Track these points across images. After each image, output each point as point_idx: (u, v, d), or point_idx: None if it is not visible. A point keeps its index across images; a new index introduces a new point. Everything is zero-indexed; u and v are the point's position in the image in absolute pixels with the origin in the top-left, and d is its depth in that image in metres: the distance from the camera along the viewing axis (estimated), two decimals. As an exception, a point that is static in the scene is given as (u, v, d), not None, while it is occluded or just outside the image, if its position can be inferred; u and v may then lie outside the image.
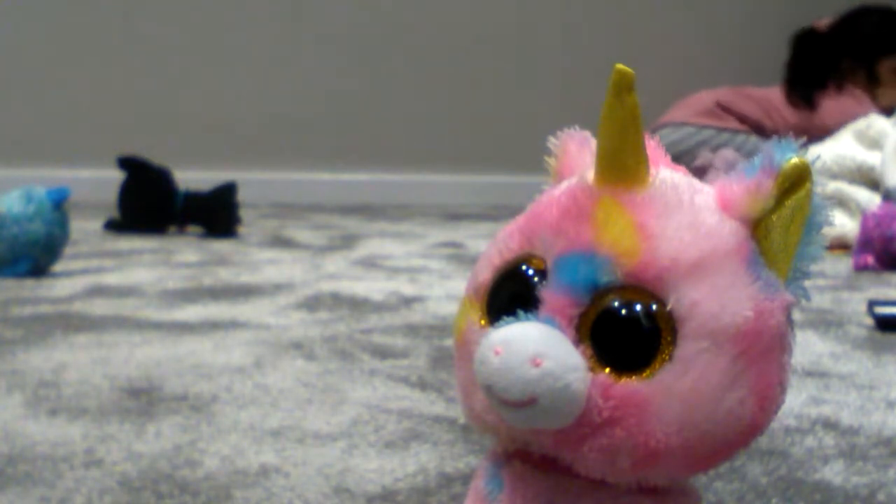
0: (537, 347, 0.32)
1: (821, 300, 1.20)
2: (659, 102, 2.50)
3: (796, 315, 0.54)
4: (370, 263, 1.48)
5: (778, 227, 0.35)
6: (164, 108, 2.71)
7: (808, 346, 0.92)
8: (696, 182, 0.37)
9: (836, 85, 2.36)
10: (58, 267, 1.32)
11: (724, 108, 2.32)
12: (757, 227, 0.35)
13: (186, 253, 1.57)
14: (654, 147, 0.37)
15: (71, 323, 0.97)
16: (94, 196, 2.25)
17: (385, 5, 2.87)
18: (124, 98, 2.69)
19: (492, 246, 0.38)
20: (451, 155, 2.94)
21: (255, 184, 2.57)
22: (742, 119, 2.32)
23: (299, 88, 2.81)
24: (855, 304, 1.18)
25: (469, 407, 0.37)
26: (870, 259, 1.50)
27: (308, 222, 2.20)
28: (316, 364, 0.81)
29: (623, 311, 0.33)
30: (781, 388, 0.35)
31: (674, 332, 0.33)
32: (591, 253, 0.34)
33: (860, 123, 1.94)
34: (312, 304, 1.10)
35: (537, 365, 0.32)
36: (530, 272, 0.35)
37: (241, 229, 1.89)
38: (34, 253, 1.25)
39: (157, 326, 0.96)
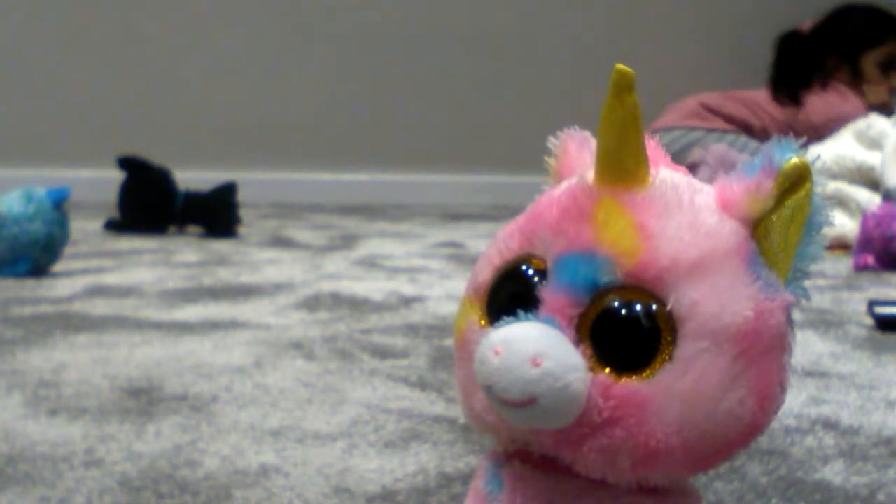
0: (537, 347, 0.32)
1: (821, 300, 1.20)
2: (658, 103, 2.50)
3: (796, 315, 0.54)
4: (370, 263, 1.48)
5: (778, 227, 0.35)
6: (164, 108, 2.71)
7: (808, 346, 0.92)
8: (696, 182, 0.37)
9: (821, 83, 2.40)
10: (58, 267, 1.32)
11: (710, 110, 2.37)
12: (757, 227, 0.35)
13: (186, 253, 1.57)
14: (654, 147, 0.37)
15: (71, 323, 0.97)
16: (94, 196, 2.25)
17: (385, 5, 2.87)
18: (124, 98, 2.69)
19: (492, 246, 0.38)
20: (451, 155, 2.94)
21: (255, 184, 2.57)
22: (729, 119, 2.37)
23: (299, 89, 2.81)
24: (855, 304, 1.18)
25: (469, 407, 0.37)
26: (870, 259, 1.50)
27: (308, 222, 2.20)
28: (316, 364, 0.81)
29: (623, 311, 0.33)
30: (781, 388, 0.35)
31: (674, 332, 0.33)
32: (591, 253, 0.34)
33: (860, 123, 1.94)
34: (312, 304, 1.10)
35: (537, 365, 0.32)
36: (530, 272, 0.35)
37: (241, 229, 1.89)
38: (34, 253, 1.25)
39: (157, 326, 0.96)
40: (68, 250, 1.37)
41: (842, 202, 1.79)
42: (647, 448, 0.33)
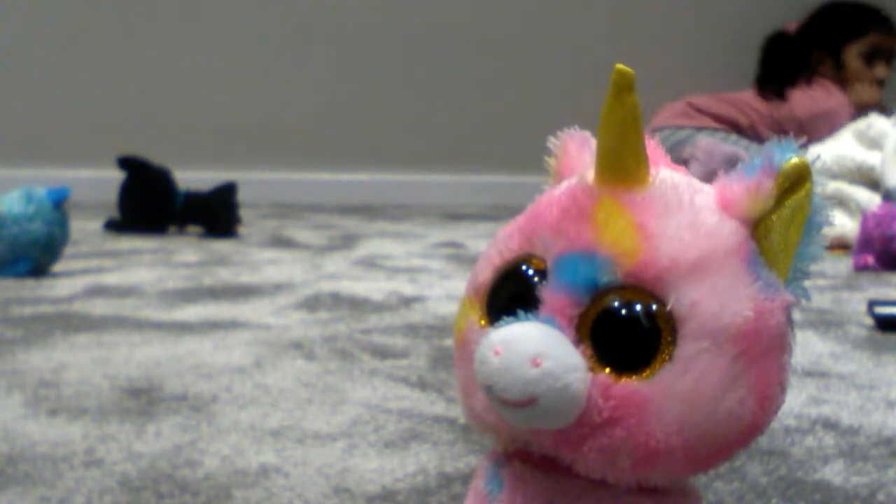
0: (537, 347, 0.32)
1: (821, 300, 1.20)
2: (659, 103, 2.50)
3: (796, 315, 0.54)
4: (370, 263, 1.48)
5: (778, 227, 0.35)
6: (164, 108, 2.71)
7: (808, 346, 0.92)
8: (696, 182, 0.37)
9: (806, 79, 2.44)
10: (58, 267, 1.32)
11: (698, 110, 2.42)
12: (757, 227, 0.35)
13: (186, 253, 1.57)
14: (654, 147, 0.37)
15: (71, 323, 0.97)
16: (94, 196, 2.25)
17: (385, 5, 2.87)
18: (124, 98, 2.69)
19: (492, 246, 0.38)
20: (451, 155, 2.93)
21: (255, 184, 2.57)
22: (717, 118, 2.43)
23: (299, 89, 2.81)
24: (855, 304, 1.18)
25: (469, 407, 0.37)
26: (870, 259, 1.50)
27: (308, 222, 2.20)
28: (316, 364, 0.81)
29: (623, 311, 0.33)
30: (781, 388, 0.35)
31: (674, 332, 0.33)
32: (591, 253, 0.34)
33: (860, 123, 1.94)
34: (312, 304, 1.10)
35: (537, 365, 0.32)
36: (530, 272, 0.35)
37: (241, 229, 1.89)
38: (34, 253, 1.25)
39: (157, 326, 0.96)
40: (68, 250, 1.37)
41: (842, 202, 1.79)
42: (647, 448, 0.33)
